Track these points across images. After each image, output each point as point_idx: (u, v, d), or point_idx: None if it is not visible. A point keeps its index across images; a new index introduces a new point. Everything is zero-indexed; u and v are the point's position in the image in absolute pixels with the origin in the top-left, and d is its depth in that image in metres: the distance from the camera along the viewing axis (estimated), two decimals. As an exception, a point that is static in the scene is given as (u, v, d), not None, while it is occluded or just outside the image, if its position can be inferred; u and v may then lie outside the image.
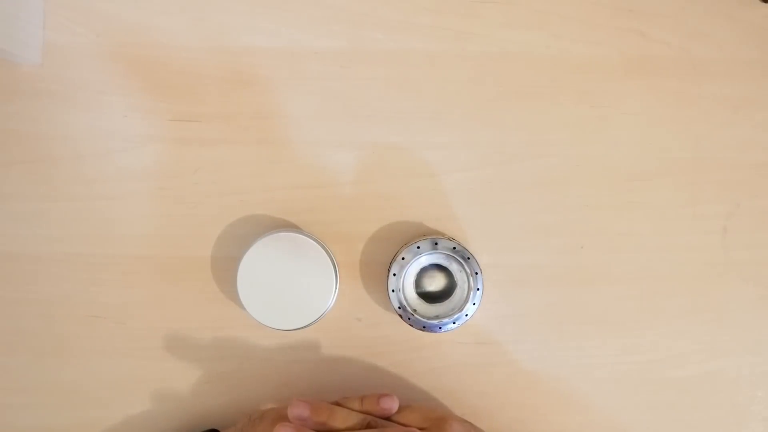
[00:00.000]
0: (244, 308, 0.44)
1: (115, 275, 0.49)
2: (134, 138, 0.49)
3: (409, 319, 0.45)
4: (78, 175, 0.49)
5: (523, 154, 0.50)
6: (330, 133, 0.49)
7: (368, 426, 0.41)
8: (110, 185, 0.49)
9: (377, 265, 0.49)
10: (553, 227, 0.49)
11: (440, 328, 0.45)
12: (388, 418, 0.42)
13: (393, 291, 0.45)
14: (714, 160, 0.50)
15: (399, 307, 0.45)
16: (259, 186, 0.49)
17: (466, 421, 0.44)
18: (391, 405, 0.42)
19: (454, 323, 0.45)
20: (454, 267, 0.46)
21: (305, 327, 0.45)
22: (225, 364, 0.49)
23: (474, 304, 0.45)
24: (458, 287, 0.46)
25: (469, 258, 0.45)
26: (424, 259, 0.46)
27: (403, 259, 0.45)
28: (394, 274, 0.45)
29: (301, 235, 0.45)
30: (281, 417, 0.40)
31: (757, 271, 0.50)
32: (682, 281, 0.50)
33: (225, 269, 0.49)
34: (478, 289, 0.45)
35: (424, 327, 0.45)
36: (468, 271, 0.45)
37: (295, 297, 0.45)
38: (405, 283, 0.46)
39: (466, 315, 0.45)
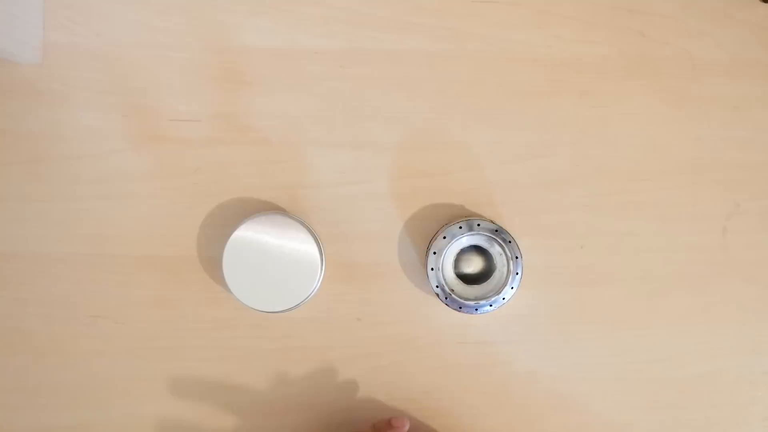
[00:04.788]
0: (230, 291, 0.44)
1: (115, 275, 0.49)
2: (134, 138, 0.49)
3: (446, 299, 0.45)
4: (78, 175, 0.49)
5: (523, 154, 0.50)
6: (330, 133, 0.49)
7: None
8: (110, 185, 0.49)
9: (377, 265, 0.49)
10: (553, 227, 0.49)
11: (476, 309, 0.45)
12: None
13: (432, 269, 0.45)
14: (714, 160, 0.50)
15: (437, 286, 0.45)
16: (259, 186, 0.49)
17: None
18: (402, 423, 0.44)
19: (491, 306, 0.45)
20: (495, 249, 0.46)
21: (292, 309, 0.45)
22: (225, 364, 0.49)
23: (512, 287, 0.45)
24: (497, 270, 0.46)
25: (510, 241, 0.45)
26: (465, 240, 0.46)
27: (444, 238, 0.45)
28: (434, 253, 0.45)
29: (285, 217, 0.45)
30: None
31: (757, 271, 0.50)
32: (682, 281, 0.50)
33: (225, 269, 0.49)
34: (517, 273, 0.45)
35: (460, 307, 0.45)
36: (509, 254, 0.45)
37: (281, 278, 0.44)
38: (444, 262, 0.45)
39: (504, 298, 0.45)
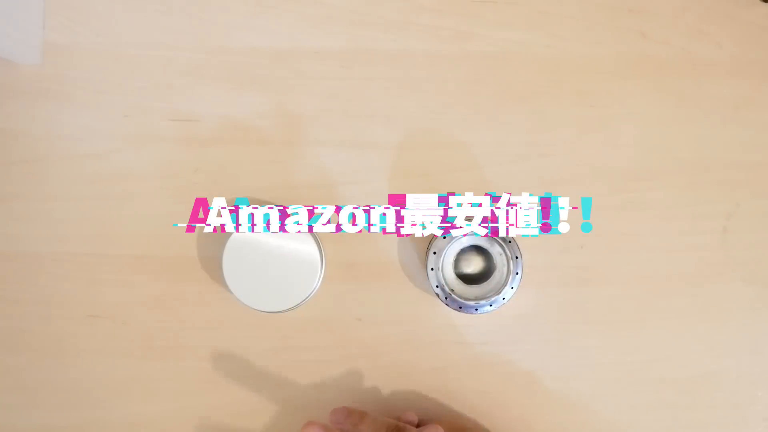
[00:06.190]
0: (230, 291, 0.44)
1: (115, 275, 0.49)
2: (134, 138, 0.49)
3: (446, 298, 0.45)
4: (78, 175, 0.49)
5: (523, 154, 0.50)
6: (330, 133, 0.49)
7: (396, 429, 0.42)
8: (110, 185, 0.49)
9: (377, 265, 0.49)
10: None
11: (476, 309, 0.45)
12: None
13: (432, 269, 0.45)
14: (714, 160, 0.50)
15: (437, 286, 0.45)
16: (259, 186, 0.49)
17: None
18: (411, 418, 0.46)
19: (490, 305, 0.45)
20: (495, 249, 0.46)
21: (292, 309, 0.45)
22: (225, 364, 0.49)
23: (512, 287, 0.45)
24: (497, 270, 0.46)
25: (510, 241, 0.45)
26: (465, 240, 0.46)
27: (444, 238, 0.45)
28: (434, 253, 0.45)
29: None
30: None
31: (757, 271, 0.50)
32: (682, 281, 0.50)
33: (225, 269, 0.49)
34: (517, 273, 0.45)
35: (460, 307, 0.45)
36: (509, 254, 0.45)
37: (281, 278, 0.44)
38: (444, 262, 0.45)
39: (503, 298, 0.45)
